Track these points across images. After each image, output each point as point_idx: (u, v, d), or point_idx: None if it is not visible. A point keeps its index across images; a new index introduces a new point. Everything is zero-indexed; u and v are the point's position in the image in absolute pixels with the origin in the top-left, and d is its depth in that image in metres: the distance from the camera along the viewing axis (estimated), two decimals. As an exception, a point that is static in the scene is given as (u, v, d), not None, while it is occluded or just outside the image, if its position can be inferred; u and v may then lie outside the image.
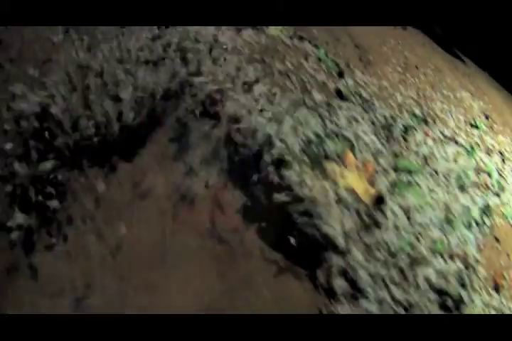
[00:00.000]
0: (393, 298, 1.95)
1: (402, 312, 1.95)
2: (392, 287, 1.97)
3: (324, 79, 2.99)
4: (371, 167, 2.40)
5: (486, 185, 3.32)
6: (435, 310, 2.08)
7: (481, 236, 2.78)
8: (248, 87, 2.47)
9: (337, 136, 2.51)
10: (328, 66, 3.19)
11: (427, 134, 3.13)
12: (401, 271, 2.04)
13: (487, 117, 4.56)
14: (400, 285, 2.01)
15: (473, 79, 5.56)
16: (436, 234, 2.34)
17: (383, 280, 1.95)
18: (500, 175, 3.73)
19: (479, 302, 2.39)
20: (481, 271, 2.56)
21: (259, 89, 2.48)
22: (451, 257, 2.30)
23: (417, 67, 4.18)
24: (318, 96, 2.75)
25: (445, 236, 2.37)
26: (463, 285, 2.25)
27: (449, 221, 2.52)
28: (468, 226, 2.66)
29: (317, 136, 2.40)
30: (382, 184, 2.40)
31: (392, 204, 2.30)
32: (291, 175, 1.95)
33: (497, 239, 3.02)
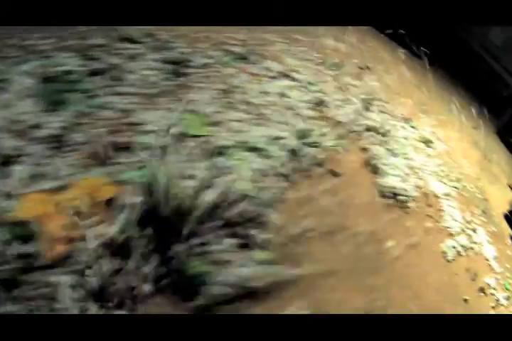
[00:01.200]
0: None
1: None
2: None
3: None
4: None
5: (324, 117, 3.12)
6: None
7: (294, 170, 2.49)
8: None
9: (102, 73, 2.34)
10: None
11: (242, 70, 2.96)
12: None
13: (363, 68, 4.39)
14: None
15: (357, 34, 5.39)
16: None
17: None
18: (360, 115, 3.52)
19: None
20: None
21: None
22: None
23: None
24: (94, 41, 2.58)
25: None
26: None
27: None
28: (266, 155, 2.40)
29: (68, 73, 2.22)
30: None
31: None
32: None
33: (335, 173, 2.78)
